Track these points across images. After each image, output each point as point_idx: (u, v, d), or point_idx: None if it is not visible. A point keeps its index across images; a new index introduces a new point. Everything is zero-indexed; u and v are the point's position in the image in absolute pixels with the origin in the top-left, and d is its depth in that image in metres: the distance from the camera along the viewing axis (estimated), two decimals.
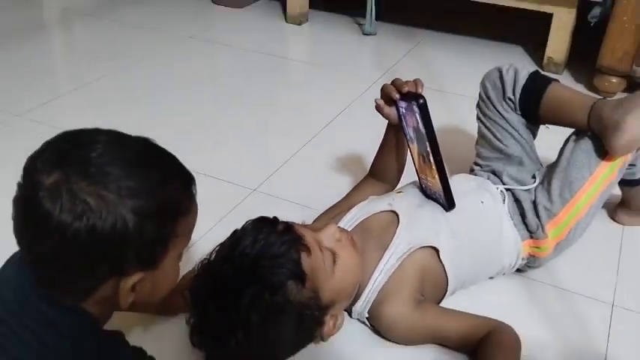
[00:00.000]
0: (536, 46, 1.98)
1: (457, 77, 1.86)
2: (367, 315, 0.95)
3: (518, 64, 1.13)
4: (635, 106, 0.97)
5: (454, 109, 1.62)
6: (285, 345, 0.88)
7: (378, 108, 1.03)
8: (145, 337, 0.94)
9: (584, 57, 1.83)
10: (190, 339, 0.88)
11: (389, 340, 0.94)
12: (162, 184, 0.68)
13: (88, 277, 0.65)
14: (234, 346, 0.82)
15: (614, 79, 1.72)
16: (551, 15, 1.82)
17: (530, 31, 2.05)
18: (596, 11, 1.74)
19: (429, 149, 0.96)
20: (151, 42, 2.10)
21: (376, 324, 0.95)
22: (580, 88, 1.80)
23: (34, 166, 0.63)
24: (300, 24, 2.25)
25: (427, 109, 0.94)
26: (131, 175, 0.65)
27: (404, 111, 0.99)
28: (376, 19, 2.15)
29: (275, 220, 0.88)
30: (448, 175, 1.00)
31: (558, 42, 1.85)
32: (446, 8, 2.22)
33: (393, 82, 1.00)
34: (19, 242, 0.66)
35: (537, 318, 1.00)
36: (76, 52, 2.06)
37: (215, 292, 0.83)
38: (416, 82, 0.98)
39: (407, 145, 1.04)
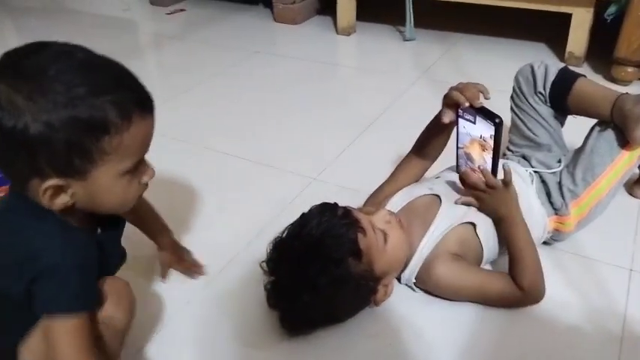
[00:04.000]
0: (557, 42, 1.90)
1: (488, 74, 1.79)
2: (414, 280, 0.95)
3: (548, 61, 1.09)
4: None
5: (487, 102, 1.57)
6: (344, 308, 0.90)
7: (446, 117, 0.94)
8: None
9: (601, 50, 1.75)
10: (267, 301, 0.91)
11: (438, 297, 0.94)
12: (85, 100, 0.58)
13: (13, 171, 0.62)
14: (303, 308, 0.85)
15: (629, 69, 1.64)
16: (570, 14, 1.75)
17: (551, 29, 1.97)
18: (612, 9, 1.66)
19: (486, 158, 0.90)
20: (225, 57, 2.12)
21: (425, 285, 0.95)
22: (599, 78, 1.73)
23: None
24: (349, 35, 2.23)
25: (501, 127, 0.86)
26: (55, 87, 0.57)
27: (468, 119, 0.90)
28: (414, 26, 2.12)
29: (336, 206, 0.89)
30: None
31: (577, 38, 1.77)
32: (476, 13, 2.14)
33: (463, 91, 0.89)
34: None
35: (562, 283, 0.98)
36: (166, 69, 2.12)
37: (287, 263, 0.86)
38: (483, 91, 0.89)
39: (457, 144, 0.96)
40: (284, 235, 0.89)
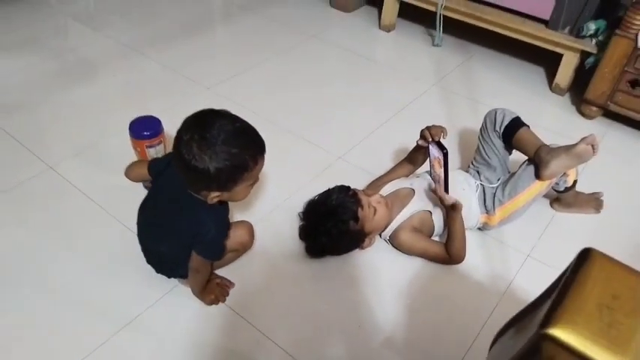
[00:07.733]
0: (551, 72, 2.35)
1: (491, 91, 2.28)
2: (388, 238, 1.55)
3: (507, 110, 1.59)
4: (558, 155, 1.45)
5: (480, 118, 1.96)
6: (343, 248, 1.50)
7: (420, 142, 1.49)
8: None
9: (580, 88, 2.20)
10: (299, 235, 1.53)
11: (399, 251, 1.53)
12: (237, 156, 1.06)
13: (195, 186, 1.14)
14: (319, 245, 1.47)
15: (594, 108, 2.12)
16: (562, 55, 2.22)
17: (551, 59, 2.34)
18: (591, 60, 2.12)
19: (442, 171, 1.43)
20: (287, 37, 2.60)
21: (393, 242, 1.53)
22: (572, 109, 2.22)
23: (182, 127, 1.07)
24: (389, 31, 2.69)
25: (447, 156, 1.38)
26: (222, 149, 1.04)
27: (433, 147, 1.43)
28: (443, 31, 2.56)
29: (349, 188, 1.48)
30: (449, 176, 1.46)
31: (564, 74, 2.25)
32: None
33: (430, 130, 1.44)
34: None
35: (480, 254, 1.56)
36: (238, 42, 2.56)
37: (314, 217, 1.46)
38: (443, 131, 1.44)
39: (429, 160, 1.51)
40: (315, 198, 1.50)
